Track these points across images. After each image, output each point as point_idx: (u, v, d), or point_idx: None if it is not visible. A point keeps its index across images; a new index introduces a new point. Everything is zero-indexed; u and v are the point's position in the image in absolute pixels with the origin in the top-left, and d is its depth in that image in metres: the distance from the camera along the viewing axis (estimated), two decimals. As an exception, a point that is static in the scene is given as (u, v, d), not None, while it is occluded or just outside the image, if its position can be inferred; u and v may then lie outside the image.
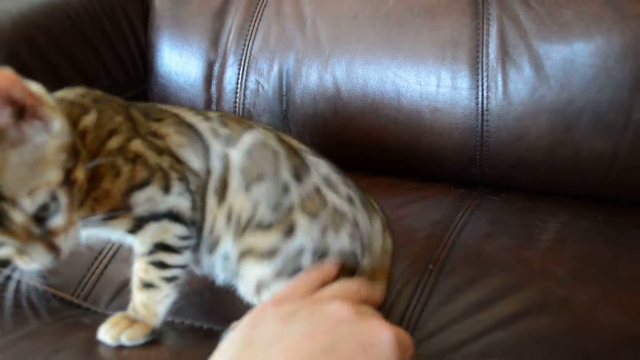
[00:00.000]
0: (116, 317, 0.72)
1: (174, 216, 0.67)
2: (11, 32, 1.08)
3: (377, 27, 1.12)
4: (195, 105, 1.24)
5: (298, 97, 1.16)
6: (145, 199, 0.66)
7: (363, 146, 1.13)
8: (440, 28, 1.08)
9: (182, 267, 0.71)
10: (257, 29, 1.21)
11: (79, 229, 0.61)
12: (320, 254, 0.67)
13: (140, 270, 0.70)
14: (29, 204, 0.54)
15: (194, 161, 0.69)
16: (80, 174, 0.59)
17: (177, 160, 0.68)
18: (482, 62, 1.05)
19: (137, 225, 0.67)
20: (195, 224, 0.70)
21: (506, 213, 1.00)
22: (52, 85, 1.14)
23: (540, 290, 0.78)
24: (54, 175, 0.56)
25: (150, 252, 0.69)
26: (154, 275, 0.69)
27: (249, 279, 0.69)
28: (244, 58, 1.21)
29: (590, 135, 1.00)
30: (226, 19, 1.25)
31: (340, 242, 0.68)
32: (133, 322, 0.71)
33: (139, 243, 0.69)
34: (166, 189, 0.67)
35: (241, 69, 1.21)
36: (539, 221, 0.96)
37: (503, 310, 0.75)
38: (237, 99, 1.21)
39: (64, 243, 0.58)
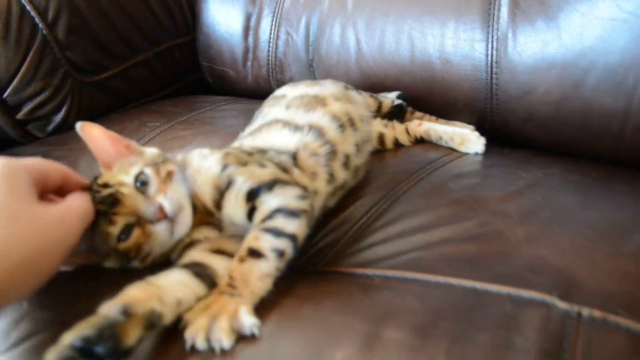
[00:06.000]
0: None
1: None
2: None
3: (396, -18, 1.16)
4: (234, 53, 1.38)
5: (323, 48, 1.25)
6: None
7: (379, 95, 1.18)
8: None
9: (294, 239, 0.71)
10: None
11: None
12: None
13: (250, 238, 0.70)
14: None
15: None
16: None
17: None
18: (494, 14, 1.06)
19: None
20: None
21: (495, 161, 1.00)
22: (107, 31, 1.29)
23: (480, 223, 0.78)
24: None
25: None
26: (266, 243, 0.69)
27: None
28: (277, 10, 1.32)
29: (600, 91, 0.97)
30: (265, -23, 1.37)
31: None
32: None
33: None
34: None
35: (274, 20, 1.32)
36: (523, 171, 0.94)
37: (435, 235, 0.78)
38: (270, 48, 1.33)
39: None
